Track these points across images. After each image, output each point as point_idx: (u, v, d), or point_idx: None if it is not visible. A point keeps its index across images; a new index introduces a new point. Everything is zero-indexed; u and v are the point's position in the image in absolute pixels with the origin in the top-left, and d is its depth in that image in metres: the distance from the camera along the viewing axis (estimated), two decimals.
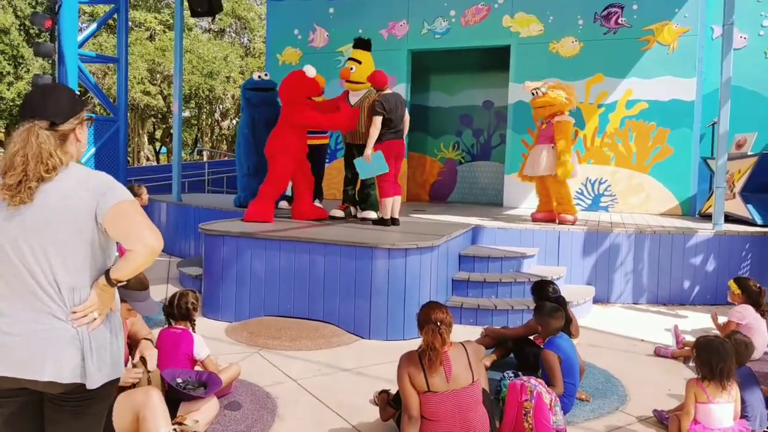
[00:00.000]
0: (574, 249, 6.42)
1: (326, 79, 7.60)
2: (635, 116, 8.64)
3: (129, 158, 18.81)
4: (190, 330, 3.52)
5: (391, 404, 3.14)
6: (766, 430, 3.22)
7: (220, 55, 25.79)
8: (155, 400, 2.65)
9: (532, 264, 6.08)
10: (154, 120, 28.79)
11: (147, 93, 24.26)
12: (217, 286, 5.34)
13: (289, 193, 7.38)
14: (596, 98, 8.80)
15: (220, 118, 29.80)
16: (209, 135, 30.34)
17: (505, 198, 9.45)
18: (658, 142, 8.54)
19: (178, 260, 7.77)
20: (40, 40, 11.75)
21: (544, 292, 4.16)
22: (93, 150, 10.91)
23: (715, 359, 2.99)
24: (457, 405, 2.72)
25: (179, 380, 3.15)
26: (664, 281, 6.34)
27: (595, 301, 6.20)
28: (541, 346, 3.64)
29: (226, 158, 22.04)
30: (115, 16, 11.83)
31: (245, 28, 28.97)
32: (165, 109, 26.17)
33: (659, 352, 4.61)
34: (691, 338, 4.57)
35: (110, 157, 11.28)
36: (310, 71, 6.39)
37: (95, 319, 1.82)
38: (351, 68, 6.71)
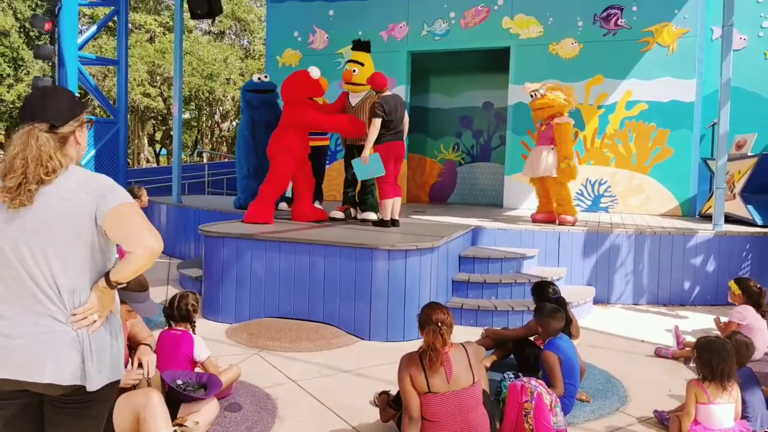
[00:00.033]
0: (574, 250, 6.42)
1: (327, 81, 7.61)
2: (635, 117, 8.64)
3: (129, 160, 18.81)
4: (191, 331, 3.52)
5: (391, 405, 3.13)
6: (766, 430, 3.21)
7: (220, 57, 25.80)
8: (156, 402, 2.65)
9: (532, 265, 6.08)
10: (154, 122, 28.81)
11: (147, 95, 24.27)
12: (217, 288, 5.34)
13: (289, 194, 7.39)
14: (596, 99, 8.80)
15: (220, 120, 29.82)
16: (209, 137, 30.36)
17: (505, 199, 9.45)
18: (658, 143, 8.55)
19: (178, 262, 7.77)
20: (40, 43, 11.74)
21: (544, 293, 4.16)
22: (93, 152, 10.93)
23: (715, 360, 2.99)
24: (458, 406, 2.72)
25: (179, 382, 3.15)
26: (665, 282, 6.34)
27: (596, 301, 6.20)
28: (542, 347, 3.64)
29: (226, 160, 22.06)
30: (115, 18, 11.86)
31: (245, 30, 28.98)
32: (165, 111, 26.19)
33: (660, 353, 4.61)
34: (691, 339, 4.57)
35: (110, 159, 11.29)
36: (315, 72, 6.38)
37: (95, 321, 1.82)
38: (353, 70, 6.72)
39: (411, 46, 9.83)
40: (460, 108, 10.99)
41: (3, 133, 22.77)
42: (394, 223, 6.15)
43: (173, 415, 2.90)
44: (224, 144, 30.55)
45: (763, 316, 4.52)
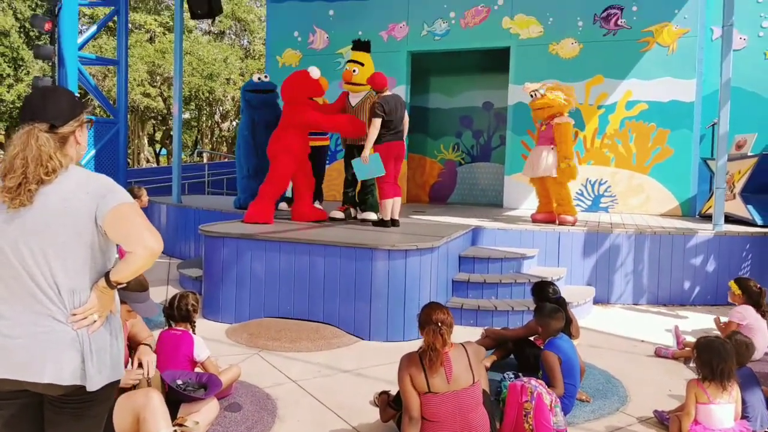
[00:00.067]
0: (574, 250, 6.42)
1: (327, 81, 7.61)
2: (635, 117, 8.64)
3: (129, 160, 18.81)
4: (191, 331, 3.52)
5: (391, 405, 3.14)
6: (766, 430, 3.21)
7: (220, 57, 25.80)
8: (156, 402, 2.65)
9: (532, 265, 6.08)
10: (154, 122, 28.81)
11: (147, 95, 24.27)
12: (217, 288, 5.34)
13: (289, 194, 7.39)
14: (596, 99, 8.80)
15: (220, 120, 29.82)
16: (209, 137, 30.36)
17: (505, 199, 9.45)
18: (658, 143, 8.55)
19: (178, 262, 7.77)
20: (40, 43, 11.74)
21: (544, 293, 4.16)
22: (93, 152, 10.93)
23: (715, 360, 2.99)
24: (458, 406, 2.72)
25: (179, 382, 3.15)
26: (665, 282, 6.34)
27: (596, 301, 6.20)
28: (542, 347, 3.64)
29: (226, 160, 22.06)
30: (115, 18, 11.86)
31: (245, 30, 28.98)
32: (165, 111, 26.19)
33: (660, 353, 4.61)
34: (691, 339, 4.57)
35: (110, 159, 11.29)
36: (315, 73, 6.38)
37: (95, 321, 1.82)
38: (353, 70, 6.72)
39: (411, 46, 9.83)
40: (460, 108, 10.99)
41: (3, 133, 22.77)
42: (394, 223, 6.15)
43: (173, 415, 2.90)
44: (224, 144, 30.55)
45: (763, 316, 4.52)
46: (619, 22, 8.70)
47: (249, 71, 26.07)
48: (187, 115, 27.75)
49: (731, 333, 3.68)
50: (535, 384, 3.06)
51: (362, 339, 4.85)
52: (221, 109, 28.97)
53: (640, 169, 8.64)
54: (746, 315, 4.47)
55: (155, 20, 25.57)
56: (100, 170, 10.19)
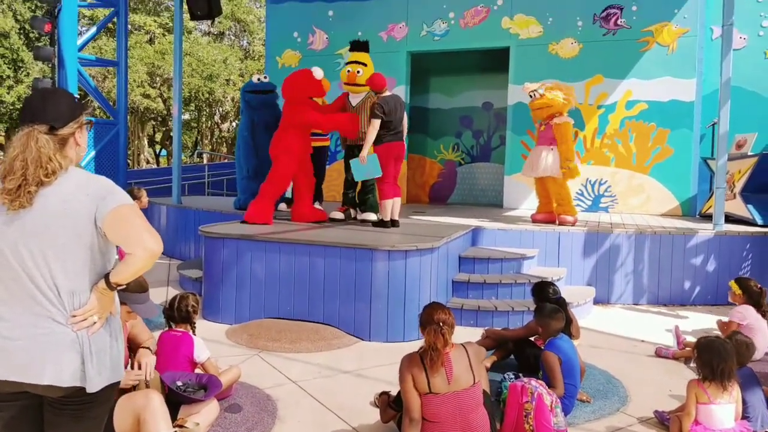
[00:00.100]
0: (574, 250, 6.42)
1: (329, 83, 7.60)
2: (635, 117, 8.64)
3: (129, 161, 18.81)
4: (191, 333, 3.52)
5: (391, 406, 3.13)
6: (767, 431, 3.21)
7: (219, 58, 25.80)
8: (156, 403, 2.64)
9: (532, 265, 6.08)
10: (154, 123, 28.81)
11: (147, 96, 24.27)
12: (217, 289, 5.34)
13: (288, 194, 7.39)
14: (596, 99, 8.80)
15: (219, 121, 29.82)
16: (209, 138, 30.36)
17: (505, 199, 9.45)
18: (658, 142, 8.55)
19: (178, 263, 7.77)
20: (39, 44, 11.75)
21: (544, 293, 4.16)
22: (93, 153, 10.93)
23: (716, 360, 2.98)
24: (458, 406, 2.72)
25: (179, 383, 3.15)
26: (665, 282, 6.33)
27: (596, 302, 6.20)
28: (542, 348, 3.64)
29: (225, 161, 22.06)
30: (115, 19, 11.86)
31: (245, 31, 28.98)
32: (165, 112, 26.19)
33: (660, 353, 4.61)
34: (692, 339, 4.56)
35: (110, 161, 11.29)
36: (319, 73, 6.37)
37: (95, 322, 1.82)
38: (358, 71, 6.71)
39: (410, 46, 9.83)
40: (459, 108, 10.99)
41: (3, 134, 22.78)
42: (393, 223, 6.14)
43: (173, 416, 2.90)
44: (224, 145, 30.56)
45: (763, 316, 4.52)
46: (618, 22, 8.70)
47: (248, 72, 26.07)
48: (186, 116, 27.76)
49: (732, 333, 3.68)
50: (536, 384, 3.06)
51: (362, 340, 4.85)
52: (221, 110, 28.98)
53: (640, 168, 8.64)
54: (747, 315, 4.46)
55: (155, 21, 25.57)
56: (100, 171, 10.21)
